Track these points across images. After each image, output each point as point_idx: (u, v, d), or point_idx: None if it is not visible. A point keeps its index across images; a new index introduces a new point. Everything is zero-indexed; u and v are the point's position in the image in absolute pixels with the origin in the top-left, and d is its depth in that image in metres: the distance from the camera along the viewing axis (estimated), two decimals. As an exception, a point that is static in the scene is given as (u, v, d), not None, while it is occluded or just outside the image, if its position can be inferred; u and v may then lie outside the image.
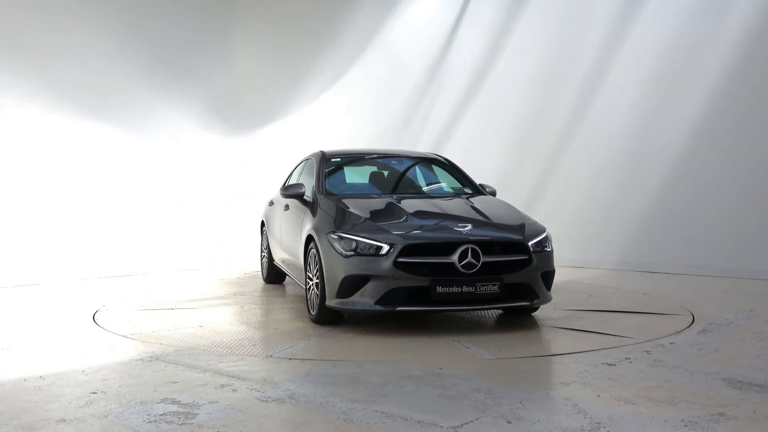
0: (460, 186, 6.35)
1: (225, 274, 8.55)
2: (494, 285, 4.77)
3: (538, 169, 9.60)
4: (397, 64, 10.98)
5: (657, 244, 8.59)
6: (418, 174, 6.66)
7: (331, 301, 4.95)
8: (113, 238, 8.69)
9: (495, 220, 5.31)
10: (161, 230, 9.22)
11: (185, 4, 9.86)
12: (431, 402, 3.34)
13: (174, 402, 3.32)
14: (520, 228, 5.18)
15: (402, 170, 6.73)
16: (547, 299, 5.21)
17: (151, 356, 4.26)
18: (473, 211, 5.43)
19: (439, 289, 4.70)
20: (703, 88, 8.29)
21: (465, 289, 4.71)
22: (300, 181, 6.41)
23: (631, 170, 8.85)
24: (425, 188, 6.44)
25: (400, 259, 4.71)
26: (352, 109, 11.19)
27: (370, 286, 4.76)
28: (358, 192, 6.13)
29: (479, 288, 4.74)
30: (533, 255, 4.98)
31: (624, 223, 8.89)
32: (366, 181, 6.55)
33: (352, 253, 4.81)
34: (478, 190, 6.22)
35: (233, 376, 3.80)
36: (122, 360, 4.19)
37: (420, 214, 5.40)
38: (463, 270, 4.72)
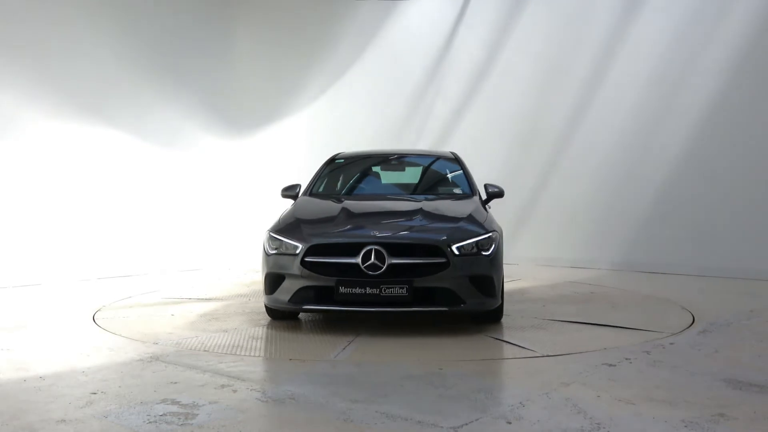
0: (453, 186, 6.26)
1: (225, 274, 8.55)
2: (401, 288, 4.66)
3: (539, 169, 9.60)
4: (397, 64, 10.98)
5: (657, 244, 8.59)
6: (413, 175, 6.62)
7: (264, 298, 5.17)
8: (113, 238, 8.69)
9: (426, 223, 5.13)
10: (162, 230, 9.22)
11: (186, 4, 9.87)
12: (431, 402, 3.33)
13: (174, 402, 3.32)
14: (450, 230, 4.94)
15: (404, 171, 6.72)
16: (483, 306, 4.91)
17: (151, 356, 4.26)
18: (413, 213, 5.28)
19: (342, 289, 4.72)
20: (704, 87, 8.29)
21: (369, 290, 4.68)
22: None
23: (632, 170, 8.86)
24: (407, 189, 6.36)
25: (307, 259, 4.82)
26: (352, 109, 11.18)
27: (285, 284, 4.92)
28: (342, 193, 6.23)
29: (384, 290, 4.67)
30: (455, 258, 4.73)
31: (624, 223, 8.89)
32: (362, 182, 6.57)
33: (275, 251, 5.02)
34: (473, 191, 6.03)
35: (233, 376, 3.80)
36: (122, 360, 4.19)
37: (356, 215, 5.35)
38: (368, 271, 4.68)
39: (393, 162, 6.90)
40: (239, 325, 5.29)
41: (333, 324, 5.31)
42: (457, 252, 4.77)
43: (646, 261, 8.58)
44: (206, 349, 4.49)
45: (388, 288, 4.67)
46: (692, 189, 8.37)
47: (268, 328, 5.21)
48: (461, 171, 6.43)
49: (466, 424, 3.01)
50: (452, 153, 6.80)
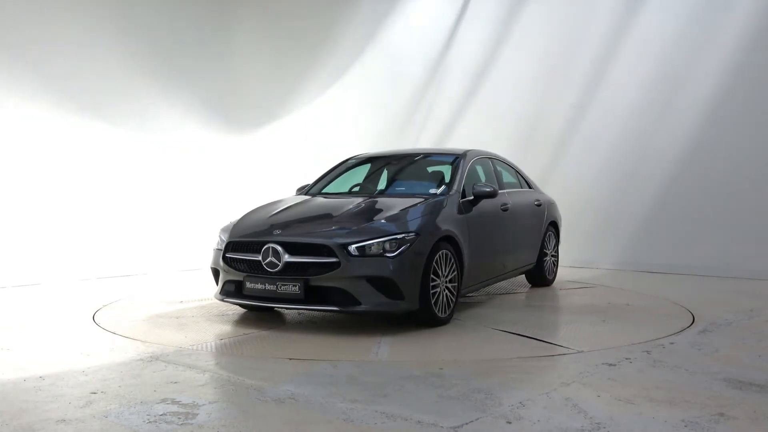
0: (432, 186, 6.09)
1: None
2: (294, 286, 4.81)
3: (539, 169, 9.59)
4: (397, 64, 10.98)
5: (657, 244, 8.59)
6: (413, 175, 6.58)
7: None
8: (113, 238, 8.69)
9: (342, 221, 5.13)
10: (161, 230, 9.21)
11: (186, 3, 9.86)
12: (431, 402, 3.33)
13: (174, 402, 3.32)
14: (354, 229, 4.90)
15: (408, 171, 6.70)
16: (385, 308, 4.81)
17: (151, 356, 4.26)
18: (343, 213, 5.31)
19: (248, 284, 5.04)
20: (705, 88, 8.29)
21: (267, 287, 4.92)
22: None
23: (632, 170, 8.86)
24: (396, 189, 6.29)
25: (227, 255, 5.25)
26: (352, 109, 11.19)
27: (220, 278, 5.38)
28: (324, 192, 6.40)
29: (280, 287, 4.87)
30: (348, 258, 4.71)
31: (624, 223, 8.89)
32: (353, 181, 6.64)
33: (217, 247, 5.48)
34: (452, 190, 5.68)
35: (233, 376, 3.80)
36: (122, 360, 4.19)
37: (284, 215, 5.50)
38: (267, 268, 4.93)
39: (394, 162, 6.87)
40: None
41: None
42: (355, 252, 4.75)
43: (646, 260, 8.58)
44: (206, 348, 4.49)
45: (284, 285, 4.86)
46: (692, 189, 8.37)
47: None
48: (457, 170, 6.19)
49: (466, 424, 3.01)
50: (464, 151, 6.47)
